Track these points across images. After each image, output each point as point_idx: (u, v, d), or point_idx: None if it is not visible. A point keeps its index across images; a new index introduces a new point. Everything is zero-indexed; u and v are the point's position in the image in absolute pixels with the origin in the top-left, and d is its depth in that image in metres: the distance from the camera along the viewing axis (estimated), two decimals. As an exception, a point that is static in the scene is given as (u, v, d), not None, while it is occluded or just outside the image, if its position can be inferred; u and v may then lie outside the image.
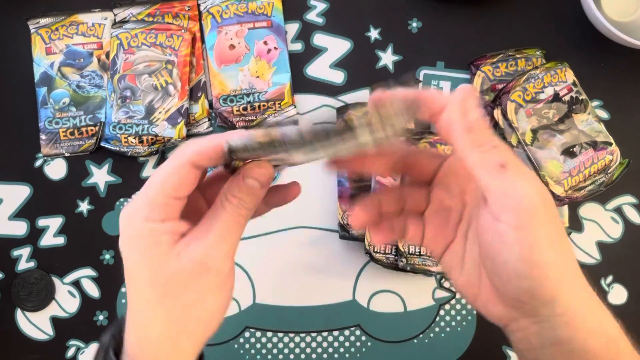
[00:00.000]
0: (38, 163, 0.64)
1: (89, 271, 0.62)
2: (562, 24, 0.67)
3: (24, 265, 0.62)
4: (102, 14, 0.65)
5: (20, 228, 0.63)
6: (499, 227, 0.31)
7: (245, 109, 0.64)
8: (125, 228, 0.34)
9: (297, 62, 0.66)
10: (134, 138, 0.62)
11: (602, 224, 0.65)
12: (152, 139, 0.62)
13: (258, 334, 0.62)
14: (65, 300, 0.62)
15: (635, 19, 0.66)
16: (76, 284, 0.62)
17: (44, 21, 0.65)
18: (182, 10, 0.65)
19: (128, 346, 0.35)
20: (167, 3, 0.65)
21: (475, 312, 0.63)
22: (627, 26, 0.65)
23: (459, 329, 0.62)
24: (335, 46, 0.66)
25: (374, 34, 0.67)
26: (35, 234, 0.63)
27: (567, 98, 0.62)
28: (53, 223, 0.63)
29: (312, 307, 0.63)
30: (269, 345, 0.62)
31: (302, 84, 0.65)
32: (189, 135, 0.63)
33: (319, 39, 0.66)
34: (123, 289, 0.62)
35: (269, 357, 0.62)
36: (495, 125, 0.63)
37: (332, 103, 0.65)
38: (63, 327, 0.62)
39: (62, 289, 0.62)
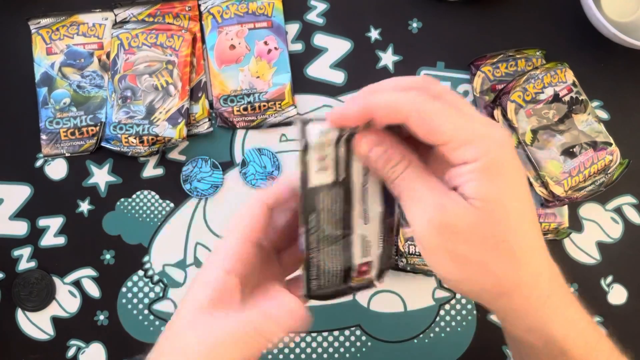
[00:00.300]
0: (39, 163, 0.64)
1: (89, 271, 0.63)
2: (562, 24, 0.67)
3: (24, 265, 0.62)
4: (103, 14, 0.65)
5: (20, 228, 0.63)
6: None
7: (245, 109, 0.64)
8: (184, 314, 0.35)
9: (298, 62, 0.66)
10: (135, 138, 0.62)
11: (602, 224, 0.65)
12: (152, 139, 0.62)
13: (258, 333, 0.62)
14: (66, 300, 0.62)
15: (635, 19, 0.66)
16: (77, 283, 0.62)
17: (44, 21, 0.65)
18: (183, 11, 0.65)
19: None
20: (167, 3, 0.65)
21: (475, 312, 0.63)
22: (627, 26, 0.65)
23: (459, 329, 0.62)
24: (336, 46, 0.66)
25: (374, 34, 0.67)
26: (35, 234, 0.63)
27: (567, 98, 0.62)
28: (53, 223, 0.63)
29: (312, 307, 0.62)
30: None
31: (302, 84, 0.65)
32: (190, 136, 0.63)
33: (319, 39, 0.66)
34: (123, 289, 0.62)
35: (269, 357, 0.62)
36: (495, 125, 0.63)
37: (332, 103, 0.65)
38: (63, 327, 0.62)
39: (63, 289, 0.62)
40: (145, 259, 0.63)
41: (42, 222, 0.63)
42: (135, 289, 0.62)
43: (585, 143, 0.61)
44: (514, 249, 0.32)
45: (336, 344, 0.62)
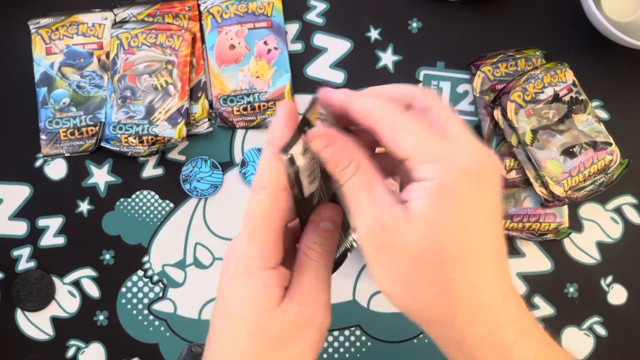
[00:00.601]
0: (38, 163, 0.64)
1: (89, 271, 0.62)
2: (562, 24, 0.67)
3: (24, 265, 0.62)
4: (102, 14, 0.65)
5: (20, 228, 0.63)
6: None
7: (245, 109, 0.64)
8: (237, 274, 0.34)
9: (297, 62, 0.66)
10: (134, 138, 0.62)
11: (602, 224, 0.65)
12: (152, 139, 0.62)
13: (258, 334, 0.62)
14: (65, 300, 0.62)
15: (635, 19, 0.66)
16: (76, 284, 0.62)
17: (44, 21, 0.65)
18: (182, 11, 0.65)
19: None
20: (167, 3, 0.65)
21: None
22: (627, 26, 0.65)
23: (459, 329, 0.62)
24: (335, 46, 0.66)
25: (374, 34, 0.67)
26: (35, 234, 0.63)
27: (567, 98, 0.62)
28: (53, 223, 0.63)
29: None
30: (269, 345, 0.62)
31: (302, 84, 0.65)
32: (189, 136, 0.63)
33: (319, 39, 0.66)
34: (123, 289, 0.62)
35: (269, 357, 0.61)
36: (495, 125, 0.63)
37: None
38: (63, 327, 0.62)
39: (62, 289, 0.62)
40: (145, 259, 0.63)
41: (41, 222, 0.63)
42: (134, 289, 0.62)
43: (585, 143, 0.61)
44: (448, 280, 0.30)
45: (336, 344, 0.62)
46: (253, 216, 0.33)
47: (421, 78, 0.66)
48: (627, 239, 0.64)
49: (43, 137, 0.63)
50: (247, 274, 0.34)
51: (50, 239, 0.63)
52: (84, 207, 0.63)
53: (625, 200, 0.65)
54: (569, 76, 0.63)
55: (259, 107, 0.64)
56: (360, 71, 0.66)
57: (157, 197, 0.63)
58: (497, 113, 0.62)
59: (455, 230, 0.30)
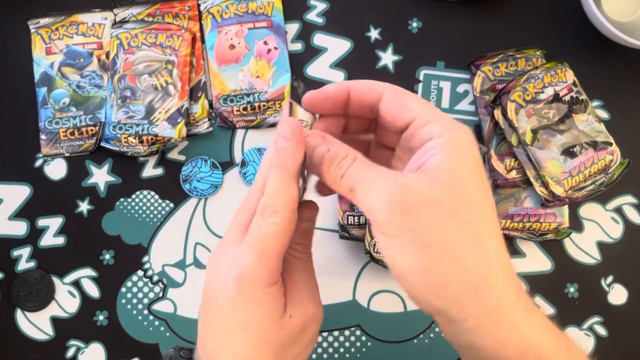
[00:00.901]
0: (38, 163, 0.64)
1: (89, 271, 0.62)
2: (562, 24, 0.67)
3: (24, 265, 0.62)
4: (102, 14, 0.65)
5: (20, 228, 0.63)
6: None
7: (245, 109, 0.64)
8: (241, 294, 0.34)
9: (297, 62, 0.66)
10: (134, 138, 0.62)
11: (602, 224, 0.65)
12: (152, 139, 0.62)
13: (258, 334, 0.62)
14: (65, 300, 0.62)
15: (635, 19, 0.66)
16: (76, 284, 0.62)
17: (44, 21, 0.65)
18: (182, 10, 0.65)
19: None
20: (167, 3, 0.65)
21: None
22: (627, 26, 0.65)
23: (459, 329, 0.62)
24: (336, 46, 0.66)
25: (374, 34, 0.67)
26: (35, 234, 0.63)
27: (567, 98, 0.62)
28: (53, 223, 0.63)
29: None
30: (269, 345, 0.62)
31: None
32: (189, 136, 0.63)
33: (319, 39, 0.66)
34: (123, 289, 0.62)
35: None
36: (496, 125, 0.63)
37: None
38: (63, 327, 0.62)
39: (62, 289, 0.62)
40: (145, 259, 0.63)
41: (41, 222, 0.63)
42: (134, 289, 0.62)
43: (586, 143, 0.61)
44: (481, 233, 0.30)
45: (336, 344, 0.62)
46: (264, 238, 0.33)
47: (421, 78, 0.66)
48: (627, 239, 0.64)
49: (43, 137, 0.63)
50: (254, 293, 0.33)
51: (50, 239, 0.63)
52: (84, 207, 0.63)
53: (625, 200, 0.65)
54: (569, 76, 0.63)
55: (259, 107, 0.64)
56: (360, 71, 0.66)
57: (157, 197, 0.63)
58: (497, 113, 0.62)
59: (474, 180, 0.30)
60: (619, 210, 0.65)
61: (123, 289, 0.62)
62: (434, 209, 0.29)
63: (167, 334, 0.62)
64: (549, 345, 0.32)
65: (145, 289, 0.62)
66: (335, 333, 0.62)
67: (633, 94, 0.66)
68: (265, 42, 0.65)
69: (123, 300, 0.62)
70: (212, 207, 0.64)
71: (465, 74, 0.66)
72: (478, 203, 0.30)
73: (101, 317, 0.62)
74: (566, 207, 0.63)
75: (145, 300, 0.62)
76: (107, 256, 0.63)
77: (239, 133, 0.65)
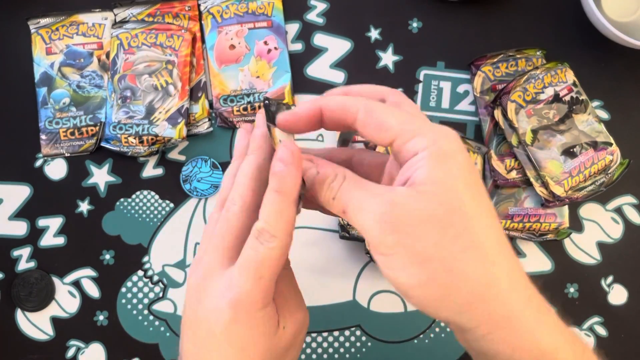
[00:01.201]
0: (38, 163, 0.64)
1: (89, 271, 0.62)
2: (562, 24, 0.67)
3: (24, 265, 0.62)
4: (103, 14, 0.65)
5: (20, 228, 0.63)
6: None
7: (245, 109, 0.64)
8: (237, 320, 0.33)
9: (298, 62, 0.66)
10: (134, 138, 0.62)
11: (603, 224, 0.65)
12: (152, 139, 0.62)
13: (258, 334, 0.62)
14: (65, 301, 0.62)
15: (635, 19, 0.66)
16: (76, 284, 0.62)
17: (44, 21, 0.65)
18: (183, 11, 0.65)
19: None
20: (167, 3, 0.65)
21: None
22: (627, 26, 0.65)
23: (459, 329, 0.62)
24: (336, 46, 0.66)
25: (374, 34, 0.67)
26: (35, 234, 0.63)
27: (567, 98, 0.62)
28: (53, 223, 0.63)
29: (312, 307, 0.62)
30: (269, 345, 0.62)
31: (302, 84, 0.65)
32: (189, 136, 0.63)
33: (319, 39, 0.66)
34: (123, 289, 0.62)
35: (269, 357, 0.61)
36: (496, 125, 0.63)
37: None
38: (63, 327, 0.62)
39: (62, 289, 0.62)
40: (145, 259, 0.63)
41: (41, 222, 0.63)
42: (134, 289, 0.62)
43: (586, 143, 0.61)
44: (479, 240, 0.29)
45: (336, 344, 0.62)
46: (262, 263, 0.32)
47: (421, 78, 0.66)
48: (627, 239, 0.64)
49: (43, 137, 0.63)
50: (250, 317, 0.33)
51: (50, 239, 0.63)
52: (84, 207, 0.63)
53: (625, 201, 0.65)
54: (570, 76, 0.63)
55: (259, 107, 0.64)
56: (360, 71, 0.66)
57: (157, 197, 0.63)
58: (497, 113, 0.62)
59: (464, 187, 0.30)
60: (619, 211, 0.65)
61: (123, 289, 0.62)
62: (425, 224, 0.29)
63: (167, 334, 0.62)
64: (565, 351, 0.32)
65: (146, 289, 0.62)
66: (335, 333, 0.62)
67: (633, 94, 0.66)
68: (265, 42, 0.65)
69: (123, 300, 0.62)
70: (212, 208, 0.63)
71: (466, 74, 0.66)
72: (473, 209, 0.30)
73: (101, 317, 0.62)
74: (566, 207, 0.63)
75: (146, 301, 0.62)
76: (107, 256, 0.63)
77: (239, 133, 0.65)
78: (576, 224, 0.64)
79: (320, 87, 0.65)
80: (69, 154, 0.64)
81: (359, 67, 0.66)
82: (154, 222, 0.63)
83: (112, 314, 0.62)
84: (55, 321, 0.62)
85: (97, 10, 0.65)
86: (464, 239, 0.29)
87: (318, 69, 0.66)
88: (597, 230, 0.64)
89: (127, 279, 0.62)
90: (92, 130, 0.64)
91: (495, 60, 0.64)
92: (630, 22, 0.66)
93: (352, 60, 0.66)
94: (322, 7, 0.67)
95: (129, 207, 0.63)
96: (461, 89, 0.66)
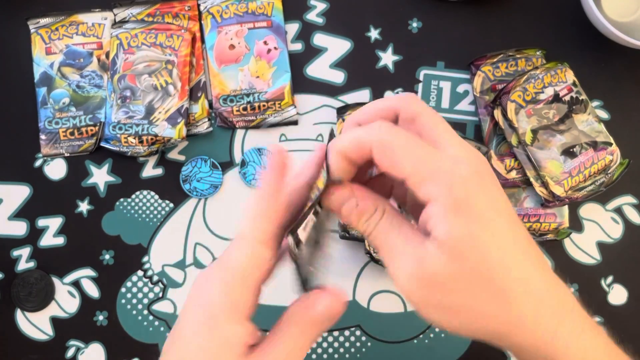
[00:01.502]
0: (38, 163, 0.64)
1: (88, 271, 0.62)
2: (562, 24, 0.67)
3: (23, 265, 0.62)
4: (102, 14, 0.65)
5: (20, 228, 0.63)
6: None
7: (245, 109, 0.64)
8: (202, 323, 0.33)
9: (297, 62, 0.66)
10: (134, 138, 0.62)
11: (602, 224, 0.65)
12: (152, 139, 0.62)
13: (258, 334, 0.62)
14: (65, 301, 0.62)
15: (635, 19, 0.66)
16: (76, 284, 0.62)
17: (44, 21, 0.65)
18: (182, 10, 0.65)
19: None
20: (167, 3, 0.65)
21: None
22: (627, 26, 0.65)
23: (459, 329, 0.62)
24: (335, 46, 0.66)
25: (374, 34, 0.67)
26: (35, 234, 0.63)
27: (567, 98, 0.62)
28: (53, 223, 0.63)
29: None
30: (269, 345, 0.62)
31: (302, 84, 0.65)
32: (189, 136, 0.63)
33: (319, 39, 0.66)
34: (123, 289, 0.62)
35: (269, 357, 0.61)
36: (496, 125, 0.63)
37: (332, 103, 0.65)
38: (63, 327, 0.62)
39: (62, 289, 0.62)
40: (145, 259, 0.63)
41: (41, 222, 0.63)
42: (134, 289, 0.62)
43: (586, 143, 0.61)
44: (503, 287, 0.31)
45: (336, 344, 0.62)
46: (229, 265, 0.33)
47: (421, 78, 0.66)
48: (627, 239, 0.64)
49: (43, 137, 0.63)
50: (212, 325, 0.32)
51: (50, 239, 0.63)
52: (84, 207, 0.63)
53: (625, 200, 0.65)
54: (569, 76, 0.63)
55: (259, 107, 0.64)
56: (360, 71, 0.66)
57: (157, 197, 0.63)
58: (497, 113, 0.62)
59: (488, 236, 0.30)
60: (619, 211, 0.65)
61: (123, 289, 0.62)
62: (452, 282, 0.30)
63: (167, 334, 0.62)
64: None
65: (145, 289, 0.62)
66: (335, 333, 0.62)
67: (633, 94, 0.66)
68: (265, 42, 0.65)
69: (123, 301, 0.62)
70: (212, 208, 0.64)
71: (465, 74, 0.66)
72: (496, 257, 0.30)
73: (101, 317, 0.62)
74: (566, 207, 0.63)
75: (145, 301, 0.62)
76: (107, 256, 0.63)
77: (239, 133, 0.65)
78: (576, 224, 0.64)
79: (320, 87, 0.65)
80: (68, 154, 0.64)
81: (359, 67, 0.66)
82: (154, 222, 0.63)
83: (111, 314, 0.62)
84: (55, 321, 0.62)
85: (97, 10, 0.65)
86: (490, 289, 0.31)
87: (318, 69, 0.66)
88: (597, 230, 0.64)
89: (127, 279, 0.62)
90: (91, 130, 0.64)
91: (495, 60, 0.64)
92: (630, 22, 0.66)
93: (351, 60, 0.66)
94: (322, 7, 0.67)
95: (129, 207, 0.63)
96: (461, 88, 0.66)
